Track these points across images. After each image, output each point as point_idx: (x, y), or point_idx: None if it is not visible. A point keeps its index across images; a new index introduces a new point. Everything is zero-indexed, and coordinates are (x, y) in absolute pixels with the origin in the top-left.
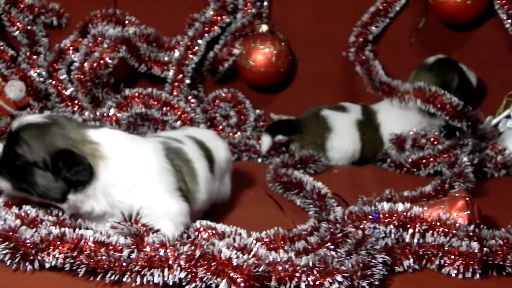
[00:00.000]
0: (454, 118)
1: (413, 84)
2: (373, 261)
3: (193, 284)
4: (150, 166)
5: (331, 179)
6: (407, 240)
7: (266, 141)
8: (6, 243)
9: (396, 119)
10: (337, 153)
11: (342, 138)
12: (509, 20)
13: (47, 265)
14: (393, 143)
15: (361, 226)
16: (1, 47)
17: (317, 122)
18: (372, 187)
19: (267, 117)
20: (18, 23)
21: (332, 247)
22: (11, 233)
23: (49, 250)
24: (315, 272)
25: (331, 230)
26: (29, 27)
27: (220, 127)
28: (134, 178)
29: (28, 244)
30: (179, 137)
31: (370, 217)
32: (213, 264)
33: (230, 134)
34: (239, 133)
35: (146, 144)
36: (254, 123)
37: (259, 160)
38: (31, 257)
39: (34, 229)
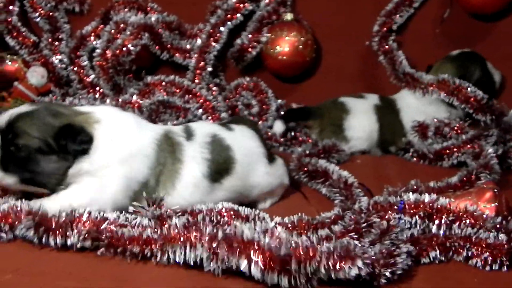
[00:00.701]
0: (478, 112)
1: (437, 75)
2: (397, 250)
3: (214, 264)
4: (132, 142)
5: (354, 169)
6: (433, 231)
7: (278, 127)
8: (30, 217)
9: (416, 105)
10: (355, 132)
11: (359, 119)
12: None
13: (69, 242)
14: (416, 130)
15: (386, 217)
16: (24, 33)
17: (335, 106)
18: (395, 177)
19: (289, 107)
20: (40, 9)
21: (356, 236)
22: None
23: (73, 226)
24: (335, 256)
25: (356, 219)
26: (51, 13)
27: (242, 115)
28: (114, 146)
29: (52, 220)
30: (198, 130)
31: (395, 207)
32: (234, 245)
33: None
34: (260, 122)
35: (143, 124)
36: (275, 113)
37: (281, 149)
38: (55, 232)
39: None
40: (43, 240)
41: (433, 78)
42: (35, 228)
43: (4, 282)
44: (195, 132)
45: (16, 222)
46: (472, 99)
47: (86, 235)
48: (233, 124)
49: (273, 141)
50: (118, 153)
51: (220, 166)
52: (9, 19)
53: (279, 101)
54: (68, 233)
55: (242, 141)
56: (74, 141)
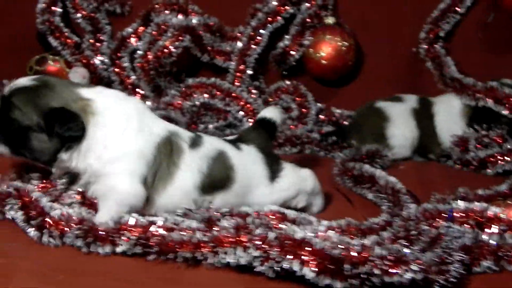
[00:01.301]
0: None
1: (486, 83)
2: (450, 258)
3: (265, 265)
4: (127, 142)
5: (398, 175)
6: (484, 240)
7: None
8: (79, 226)
9: (451, 112)
10: (398, 140)
11: (400, 126)
12: None
13: (118, 250)
14: (456, 145)
15: (435, 224)
16: (66, 34)
17: (373, 114)
18: (440, 184)
19: (329, 111)
20: (82, 10)
21: (406, 243)
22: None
23: (121, 234)
24: (389, 260)
25: (405, 226)
26: (93, 14)
27: None
28: (111, 141)
29: (101, 229)
30: (207, 143)
31: (444, 215)
32: (286, 243)
33: (291, 126)
34: (299, 126)
35: (146, 121)
36: (315, 117)
37: (321, 153)
38: (104, 241)
39: None
40: (92, 248)
41: (481, 85)
42: (84, 237)
43: (58, 282)
44: (203, 143)
45: (67, 230)
46: None
47: (136, 243)
48: (243, 144)
49: (314, 146)
50: (110, 152)
51: (216, 182)
52: (52, 20)
53: (319, 104)
54: (117, 241)
55: (247, 164)
56: (62, 126)
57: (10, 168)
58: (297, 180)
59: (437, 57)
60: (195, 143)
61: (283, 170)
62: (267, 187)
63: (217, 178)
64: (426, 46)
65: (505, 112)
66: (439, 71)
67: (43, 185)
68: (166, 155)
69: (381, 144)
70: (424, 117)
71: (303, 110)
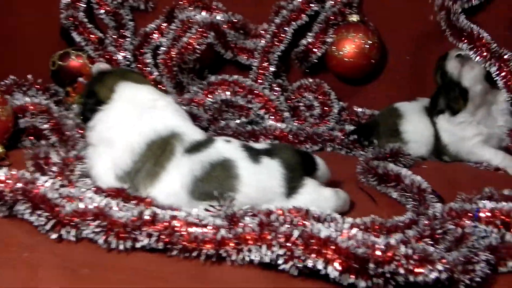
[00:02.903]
0: None
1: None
2: (476, 258)
3: (289, 263)
4: (123, 134)
5: (421, 174)
6: (510, 241)
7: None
8: (99, 221)
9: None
10: (412, 134)
11: (414, 121)
12: None
13: (138, 245)
14: None
15: (461, 224)
16: (89, 29)
17: (389, 113)
18: (465, 183)
19: (351, 110)
20: (106, 6)
21: (431, 242)
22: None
23: (142, 230)
24: (414, 259)
25: (431, 225)
26: (116, 10)
27: (303, 117)
28: (110, 126)
29: (121, 223)
30: (212, 148)
31: (470, 215)
32: (311, 242)
33: (313, 124)
34: (321, 125)
35: (150, 117)
36: (338, 116)
37: (342, 152)
38: (124, 236)
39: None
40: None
41: (496, 48)
42: (104, 233)
43: (82, 277)
44: (208, 148)
45: (82, 224)
46: None
47: (158, 239)
48: (266, 157)
49: (335, 144)
50: (107, 137)
51: (213, 189)
52: (76, 15)
53: (342, 103)
54: (138, 237)
55: (260, 177)
56: (86, 104)
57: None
58: (317, 198)
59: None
60: (196, 147)
61: (303, 187)
62: (282, 202)
63: (214, 185)
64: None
65: (501, 86)
66: (449, 21)
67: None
68: (155, 155)
69: (396, 138)
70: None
71: (325, 108)
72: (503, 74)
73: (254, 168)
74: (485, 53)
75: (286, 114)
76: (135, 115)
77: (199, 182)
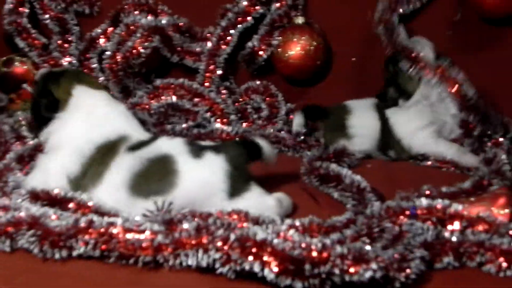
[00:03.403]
0: (463, 109)
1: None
2: (411, 255)
3: (227, 267)
4: (73, 138)
5: (365, 174)
6: (446, 237)
7: (298, 120)
8: (33, 230)
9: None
10: (358, 129)
11: (361, 116)
12: None
13: (75, 253)
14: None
15: (398, 222)
16: (33, 35)
17: (339, 108)
18: (407, 182)
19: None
20: (50, 11)
21: (368, 241)
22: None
23: (78, 238)
24: (349, 258)
25: (368, 223)
26: (61, 15)
27: (251, 119)
28: (62, 129)
29: (56, 232)
30: (151, 146)
31: (407, 212)
32: (247, 245)
33: (261, 126)
34: (269, 126)
35: (104, 123)
36: (285, 117)
37: (289, 153)
38: (60, 245)
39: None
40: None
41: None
42: (39, 242)
43: (18, 284)
44: (149, 145)
45: (17, 234)
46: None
47: (93, 247)
48: (211, 153)
49: (282, 146)
50: (61, 144)
51: (151, 185)
52: (19, 21)
53: (289, 105)
54: (74, 245)
55: (201, 172)
56: (40, 103)
57: None
58: (259, 206)
59: (389, 23)
60: (138, 146)
61: (247, 192)
62: (223, 201)
63: (153, 181)
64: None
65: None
66: (388, 36)
67: None
68: (102, 156)
69: (341, 133)
70: (383, 112)
71: (273, 110)
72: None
73: (195, 163)
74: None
75: (233, 116)
76: (89, 123)
77: (138, 178)
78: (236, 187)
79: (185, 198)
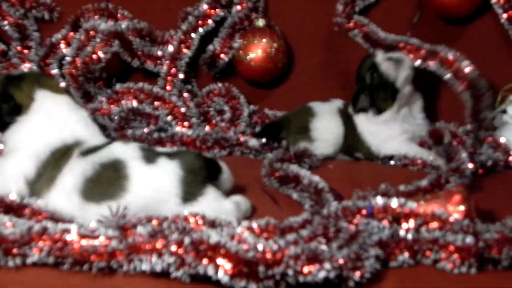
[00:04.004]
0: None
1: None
2: (365, 254)
3: (181, 270)
4: (31, 141)
5: (327, 174)
6: (401, 235)
7: (253, 143)
8: None
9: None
10: (320, 134)
11: (325, 120)
12: (505, 15)
13: (29, 261)
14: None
15: (355, 221)
16: None
17: (303, 111)
18: (368, 181)
19: (261, 112)
20: (9, 17)
21: (324, 241)
22: None
23: (32, 245)
24: (302, 259)
25: (324, 224)
26: (20, 21)
27: (213, 121)
28: (21, 133)
29: (10, 239)
30: (105, 151)
31: (364, 212)
32: (201, 248)
33: (224, 129)
34: (232, 128)
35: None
36: (248, 119)
37: (251, 156)
38: (13, 252)
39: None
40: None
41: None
42: None
43: None
44: (103, 150)
45: None
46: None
47: (47, 253)
48: (166, 158)
49: (244, 148)
50: (18, 143)
51: (102, 190)
52: None
53: (252, 106)
54: (27, 252)
55: (153, 178)
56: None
57: None
58: (216, 210)
59: (361, 26)
60: (92, 151)
61: (203, 196)
62: (178, 207)
63: (104, 185)
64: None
65: (448, 76)
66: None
67: None
68: (56, 160)
69: (304, 135)
70: (348, 116)
71: (236, 112)
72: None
73: (147, 168)
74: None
75: (194, 119)
76: (48, 127)
77: (89, 183)
78: (190, 192)
79: (137, 203)
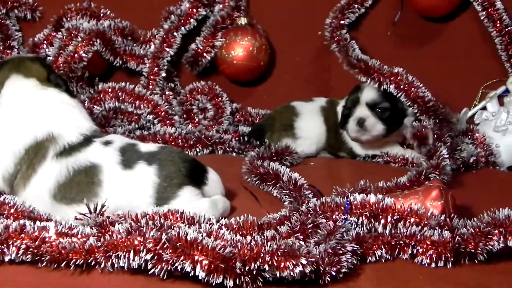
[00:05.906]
0: (423, 113)
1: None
2: (342, 249)
3: (159, 267)
4: (5, 137)
5: (307, 171)
6: (379, 231)
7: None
8: None
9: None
10: (303, 132)
11: (308, 119)
12: (484, 12)
13: (7, 259)
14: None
15: (333, 217)
16: None
17: (286, 110)
18: (348, 178)
19: (244, 110)
20: None
21: (302, 237)
22: None
23: (9, 243)
24: (279, 255)
25: (302, 220)
26: (2, 21)
27: (197, 119)
28: None
29: None
30: (85, 152)
31: (342, 208)
32: (178, 245)
33: (207, 127)
34: (215, 127)
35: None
36: (231, 117)
37: (234, 154)
38: None
39: None
40: None
41: (387, 69)
42: None
43: None
44: (80, 153)
45: None
46: (420, 99)
47: (25, 251)
48: (144, 163)
49: (227, 147)
50: None
51: (74, 194)
52: None
53: (234, 104)
54: (5, 250)
55: (128, 184)
56: None
57: None
58: (193, 211)
59: (342, 40)
60: (68, 151)
61: (176, 198)
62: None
63: (76, 190)
64: (331, 31)
65: (404, 100)
66: (344, 53)
67: None
68: (30, 158)
69: (288, 132)
70: (331, 115)
71: (219, 110)
72: (401, 87)
73: (122, 174)
74: (378, 77)
75: (177, 118)
76: (17, 119)
77: (61, 187)
78: (163, 198)
79: (111, 208)
